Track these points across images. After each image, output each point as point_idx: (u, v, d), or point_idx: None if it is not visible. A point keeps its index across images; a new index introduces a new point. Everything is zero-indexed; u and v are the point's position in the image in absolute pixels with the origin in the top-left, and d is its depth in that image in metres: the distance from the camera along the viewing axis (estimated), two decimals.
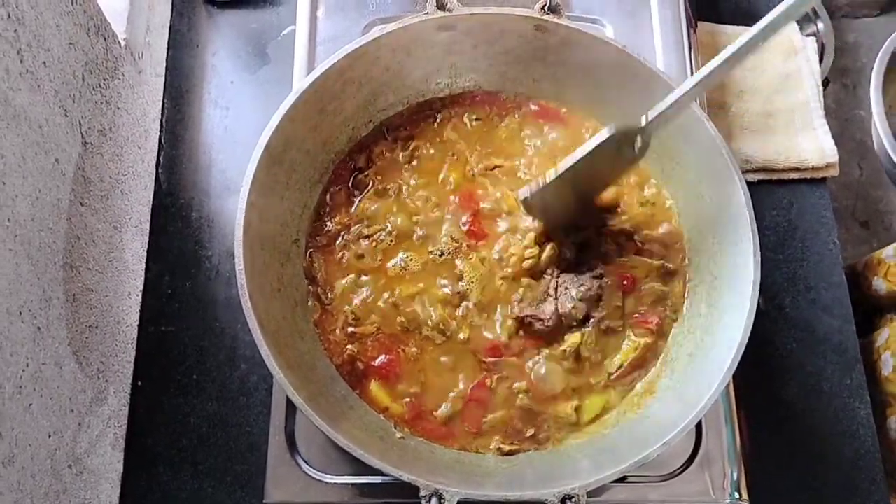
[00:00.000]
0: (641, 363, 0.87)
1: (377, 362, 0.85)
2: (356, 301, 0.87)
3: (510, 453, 0.83)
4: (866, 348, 1.01)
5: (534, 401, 0.84)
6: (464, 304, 0.87)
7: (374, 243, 0.89)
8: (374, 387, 0.84)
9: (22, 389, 0.71)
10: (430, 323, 0.86)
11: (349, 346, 0.85)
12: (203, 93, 1.10)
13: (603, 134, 0.78)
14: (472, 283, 0.87)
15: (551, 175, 0.81)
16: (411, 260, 0.88)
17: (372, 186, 0.91)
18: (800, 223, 1.06)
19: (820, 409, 0.97)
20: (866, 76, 1.93)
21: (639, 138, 0.80)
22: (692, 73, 0.99)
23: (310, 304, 0.87)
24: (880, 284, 1.06)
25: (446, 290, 0.87)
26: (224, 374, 0.96)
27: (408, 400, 0.84)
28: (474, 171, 0.92)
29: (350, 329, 0.86)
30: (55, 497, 0.77)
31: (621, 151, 0.81)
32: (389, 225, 0.89)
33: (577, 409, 0.85)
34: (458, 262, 0.88)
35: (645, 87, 0.87)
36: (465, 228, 0.90)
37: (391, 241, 0.89)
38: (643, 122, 0.79)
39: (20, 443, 0.71)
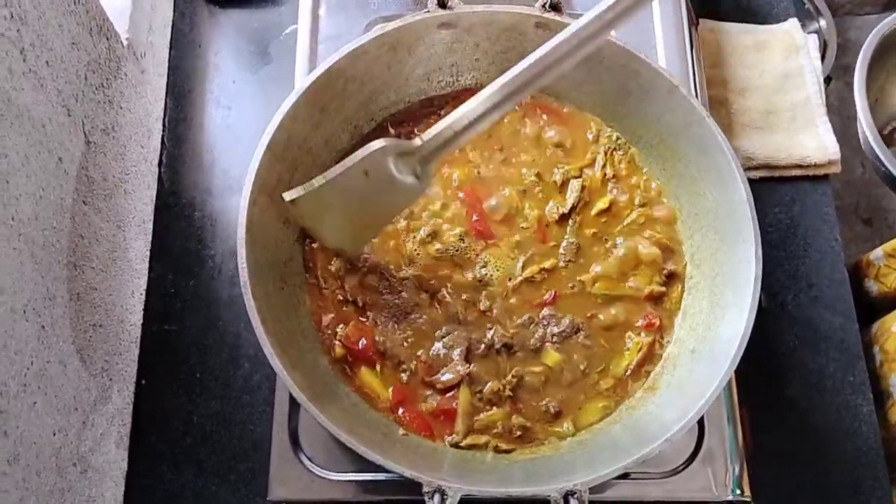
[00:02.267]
0: (646, 362, 0.87)
1: (360, 345, 0.85)
2: (353, 283, 0.88)
3: (509, 451, 0.83)
4: (864, 344, 1.01)
5: (527, 419, 0.84)
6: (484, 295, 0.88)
7: None
8: (365, 372, 0.85)
9: (26, 388, 0.71)
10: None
11: (341, 329, 0.86)
12: (205, 92, 1.10)
13: (372, 145, 0.76)
14: (494, 271, 0.88)
15: (319, 181, 0.77)
16: (418, 254, 0.88)
17: None
18: (802, 220, 1.06)
19: (822, 406, 0.97)
20: None
21: (418, 166, 0.78)
22: (694, 71, 1.00)
23: (308, 298, 0.87)
24: (871, 286, 1.07)
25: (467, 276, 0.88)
26: (227, 373, 0.97)
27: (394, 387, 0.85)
28: (479, 168, 0.92)
29: (339, 296, 0.87)
30: (60, 495, 0.78)
31: (402, 176, 0.78)
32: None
33: (574, 422, 0.85)
34: (470, 255, 0.89)
35: (647, 86, 0.87)
36: (469, 227, 0.90)
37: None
38: (418, 143, 0.76)
39: (25, 441, 0.71)
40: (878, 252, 1.05)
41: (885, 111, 1.31)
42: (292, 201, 0.78)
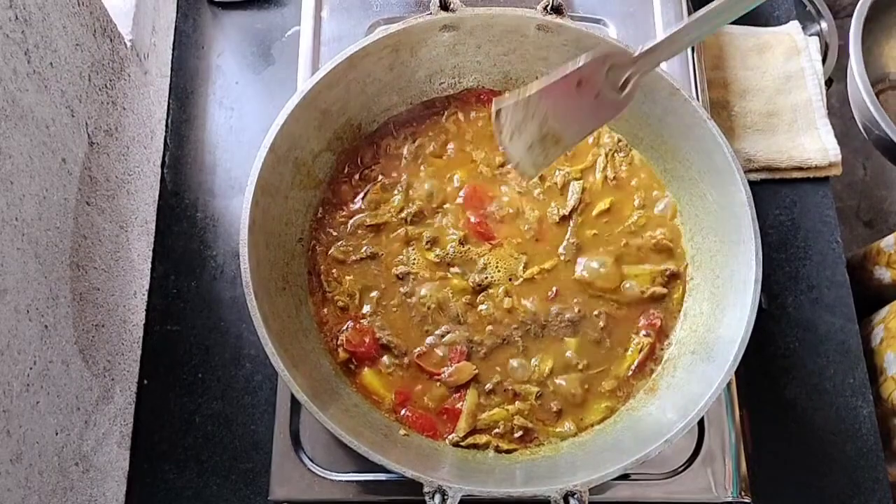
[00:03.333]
0: (648, 362, 0.87)
1: (363, 346, 0.86)
2: (354, 282, 0.88)
3: (509, 451, 0.83)
4: (864, 328, 1.02)
5: (530, 419, 0.85)
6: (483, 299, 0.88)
7: (378, 233, 0.90)
8: (368, 374, 0.85)
9: (29, 387, 0.72)
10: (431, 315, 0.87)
11: (342, 333, 0.86)
12: (208, 93, 1.10)
13: (594, 52, 0.71)
14: (496, 271, 0.89)
15: (532, 89, 0.72)
16: (415, 261, 0.89)
17: (378, 181, 0.92)
18: (802, 222, 1.06)
19: (822, 407, 0.97)
20: None
21: (628, 78, 0.72)
22: (695, 73, 1.00)
23: (311, 300, 0.88)
24: (883, 273, 1.07)
25: (461, 281, 0.88)
26: (229, 373, 0.97)
27: (397, 388, 0.85)
28: (481, 169, 0.93)
29: (341, 303, 0.87)
30: (62, 494, 0.78)
31: (606, 90, 0.73)
32: (395, 218, 0.90)
33: (575, 422, 0.85)
34: (472, 257, 0.89)
35: (648, 88, 0.87)
36: (469, 229, 0.90)
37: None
38: (636, 52, 0.71)
39: (28, 440, 0.71)
40: (889, 240, 1.06)
41: (872, 72, 1.30)
42: (496, 112, 0.74)
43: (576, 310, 0.88)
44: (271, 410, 0.87)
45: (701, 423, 0.85)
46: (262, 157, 0.80)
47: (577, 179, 0.92)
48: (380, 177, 0.92)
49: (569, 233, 0.90)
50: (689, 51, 1.01)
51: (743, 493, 0.84)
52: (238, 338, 0.98)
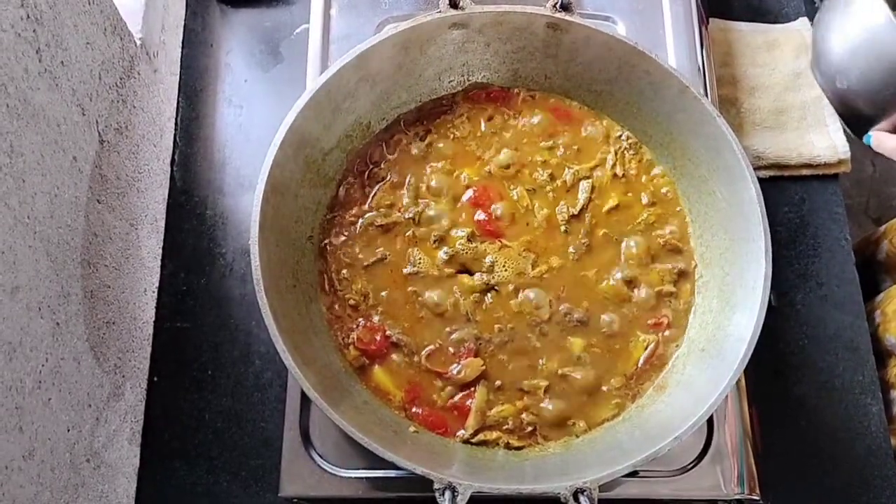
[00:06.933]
0: (655, 360, 0.87)
1: (374, 344, 0.86)
2: (365, 281, 0.89)
3: (519, 448, 0.83)
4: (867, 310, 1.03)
5: (539, 416, 0.85)
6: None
7: (387, 232, 0.90)
8: (378, 371, 0.85)
9: (41, 384, 0.72)
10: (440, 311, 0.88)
11: (354, 331, 0.86)
12: (217, 91, 1.11)
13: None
14: (504, 270, 0.88)
15: None
16: (424, 260, 0.89)
17: (388, 179, 0.92)
18: (812, 220, 1.06)
19: (831, 405, 0.97)
20: None
21: None
22: (704, 70, 1.00)
23: (321, 298, 0.88)
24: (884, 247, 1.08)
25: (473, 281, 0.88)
26: (238, 370, 0.97)
27: (407, 386, 0.85)
28: (490, 167, 0.93)
29: (352, 302, 0.87)
30: (73, 490, 0.79)
31: None
32: (404, 217, 0.90)
33: (586, 419, 0.85)
34: (480, 255, 0.89)
35: (657, 85, 0.87)
36: (478, 227, 0.90)
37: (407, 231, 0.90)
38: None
39: (40, 436, 0.72)
40: None
41: None
42: None
43: (584, 308, 0.88)
44: (281, 407, 0.87)
45: (710, 421, 0.85)
46: (273, 156, 0.80)
47: (586, 178, 0.92)
48: (389, 175, 0.92)
49: (578, 232, 0.90)
50: (699, 47, 1.01)
51: (751, 491, 0.84)
52: (247, 335, 0.98)
